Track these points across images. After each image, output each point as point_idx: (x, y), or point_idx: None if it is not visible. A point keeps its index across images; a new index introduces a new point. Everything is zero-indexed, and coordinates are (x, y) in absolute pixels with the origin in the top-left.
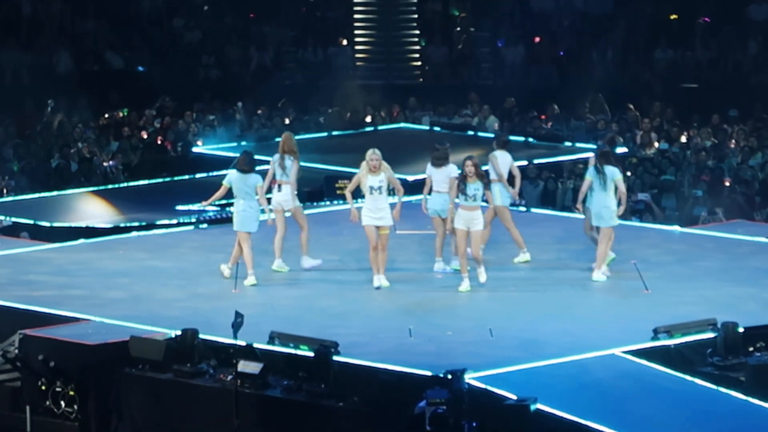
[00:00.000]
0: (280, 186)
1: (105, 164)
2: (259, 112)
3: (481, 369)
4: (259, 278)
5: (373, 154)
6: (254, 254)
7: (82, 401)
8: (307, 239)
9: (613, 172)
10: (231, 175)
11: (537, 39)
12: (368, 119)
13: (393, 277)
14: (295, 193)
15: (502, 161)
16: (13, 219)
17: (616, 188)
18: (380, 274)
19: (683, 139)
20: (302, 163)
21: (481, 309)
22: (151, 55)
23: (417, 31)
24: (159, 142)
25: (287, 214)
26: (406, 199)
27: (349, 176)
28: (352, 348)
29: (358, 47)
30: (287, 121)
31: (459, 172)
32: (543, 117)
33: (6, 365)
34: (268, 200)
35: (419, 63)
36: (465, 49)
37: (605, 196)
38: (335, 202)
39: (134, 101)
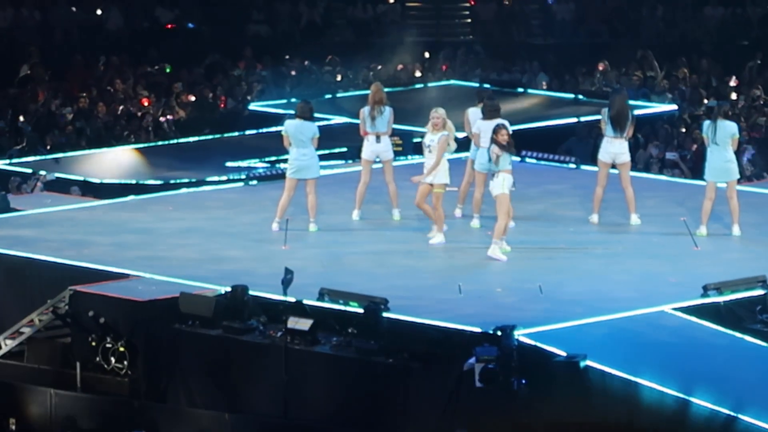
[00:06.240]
0: (378, 137)
1: (162, 120)
2: (306, 63)
3: (531, 326)
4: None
5: (435, 113)
6: (291, 207)
7: (132, 357)
8: (396, 192)
9: (731, 127)
10: (288, 124)
11: None
12: (417, 75)
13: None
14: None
15: (474, 119)
16: (64, 175)
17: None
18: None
19: (733, 96)
20: (351, 120)
21: (530, 267)
22: (202, 12)
23: None
24: (210, 98)
25: (375, 166)
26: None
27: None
28: (402, 305)
29: (408, 4)
30: (339, 78)
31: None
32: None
33: (56, 321)
34: (359, 150)
35: (469, 20)
36: (514, 6)
37: (724, 151)
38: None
39: (183, 58)
